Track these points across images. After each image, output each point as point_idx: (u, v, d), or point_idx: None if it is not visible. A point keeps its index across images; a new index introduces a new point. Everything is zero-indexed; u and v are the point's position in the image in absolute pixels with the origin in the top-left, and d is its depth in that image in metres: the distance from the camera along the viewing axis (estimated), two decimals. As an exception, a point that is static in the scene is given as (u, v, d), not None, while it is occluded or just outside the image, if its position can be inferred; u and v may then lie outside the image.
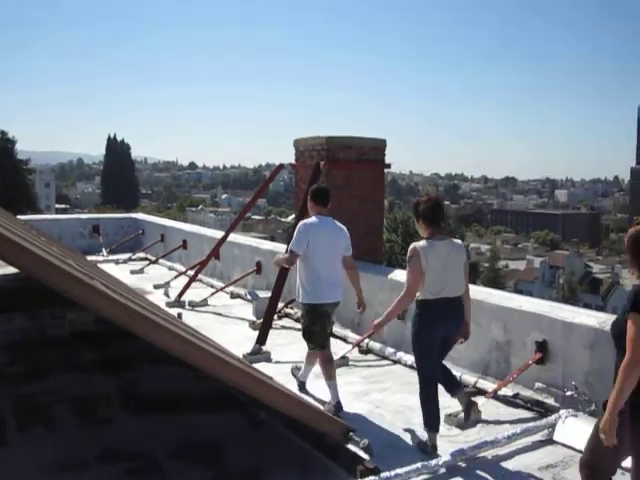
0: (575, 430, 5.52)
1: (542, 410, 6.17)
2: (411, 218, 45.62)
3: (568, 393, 6.07)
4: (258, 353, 8.22)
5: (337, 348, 8.45)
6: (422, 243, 5.44)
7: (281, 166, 11.01)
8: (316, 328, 6.52)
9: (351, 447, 5.13)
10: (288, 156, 10.93)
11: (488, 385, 6.72)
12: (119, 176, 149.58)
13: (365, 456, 5.01)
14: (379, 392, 6.98)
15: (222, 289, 12.12)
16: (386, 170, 10.63)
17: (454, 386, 5.82)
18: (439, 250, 5.41)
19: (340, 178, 9.92)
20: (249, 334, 9.16)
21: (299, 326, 9.92)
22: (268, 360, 8.17)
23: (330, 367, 6.53)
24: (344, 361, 7.98)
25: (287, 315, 10.40)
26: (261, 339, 8.36)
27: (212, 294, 11.77)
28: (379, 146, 10.23)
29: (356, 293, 6.76)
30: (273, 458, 5.32)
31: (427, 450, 5.44)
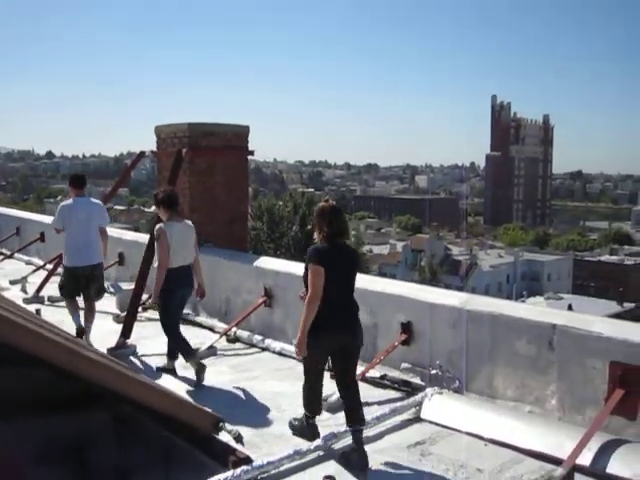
0: (441, 407, 5.68)
1: (409, 389, 6.30)
2: (276, 205, 45.85)
3: (433, 372, 6.24)
4: (123, 347, 7.98)
5: (204, 338, 8.34)
6: (165, 224, 6.88)
7: (142, 154, 10.72)
8: (65, 284, 8.15)
9: (222, 438, 5.05)
10: (151, 144, 10.63)
11: (359, 368, 6.77)
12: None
13: (237, 446, 4.95)
14: (248, 380, 6.92)
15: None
16: (250, 158, 10.56)
17: (188, 352, 6.95)
18: (177, 229, 6.89)
19: (203, 165, 9.77)
20: (113, 328, 8.85)
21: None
22: (134, 354, 7.95)
23: (74, 310, 8.18)
24: (212, 351, 7.86)
25: (152, 307, 10.15)
26: (125, 332, 8.11)
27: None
28: (242, 133, 10.13)
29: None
30: (141, 455, 5.16)
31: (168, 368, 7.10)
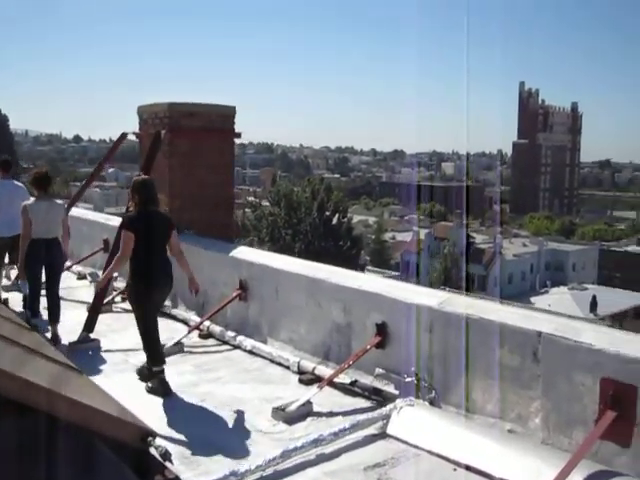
0: (410, 422, 5.02)
1: (380, 399, 5.64)
2: (294, 191, 45.21)
3: (407, 379, 5.56)
4: (85, 341, 7.40)
5: (176, 332, 7.72)
6: (29, 202, 7.79)
7: (123, 136, 10.10)
8: None
9: (154, 454, 4.43)
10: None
11: (328, 372, 6.12)
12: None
13: (167, 464, 4.33)
14: (210, 382, 6.29)
15: (68, 269, 11.12)
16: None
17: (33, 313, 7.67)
18: (41, 206, 7.62)
19: (185, 148, 9.12)
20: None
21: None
22: (98, 348, 7.36)
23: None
24: (178, 347, 7.23)
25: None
26: (88, 326, 7.52)
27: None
28: (228, 113, 9.46)
29: None
30: (68, 467, 4.57)
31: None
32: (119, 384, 6.24)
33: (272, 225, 42.62)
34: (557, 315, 5.00)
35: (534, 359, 4.71)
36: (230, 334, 7.44)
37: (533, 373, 4.73)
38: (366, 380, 5.91)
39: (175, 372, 6.57)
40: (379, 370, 5.85)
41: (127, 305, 9.31)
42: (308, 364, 6.37)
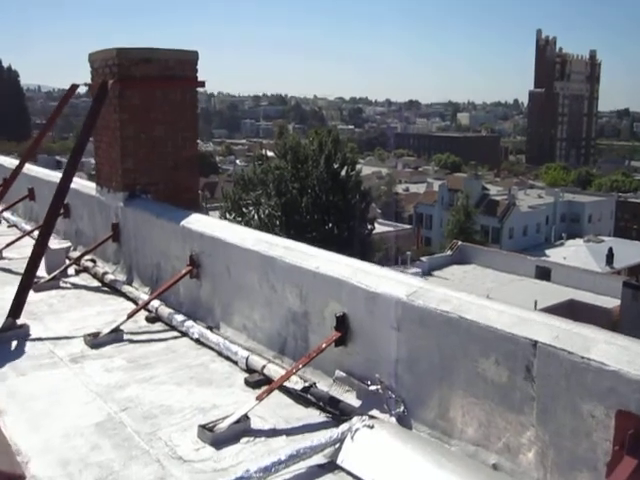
0: (367, 448, 3.90)
1: (336, 412, 4.50)
2: (301, 144, 43.74)
3: (372, 388, 4.42)
4: (10, 329, 6.29)
5: (120, 315, 6.58)
6: None
7: (74, 87, 8.88)
8: None
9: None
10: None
11: (279, 372, 4.97)
12: (8, 106, 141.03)
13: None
14: (140, 383, 5.16)
15: (27, 234, 10.04)
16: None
17: None
18: None
19: (137, 100, 7.88)
20: (30, 298, 7.07)
21: (96, 283, 8.09)
22: (25, 337, 6.25)
23: None
24: (115, 336, 6.10)
25: (86, 269, 8.47)
26: (15, 310, 6.39)
27: (9, 244, 9.57)
28: (188, 59, 8.15)
29: None
30: None
31: None
32: (30, 385, 5.19)
33: (278, 179, 41.25)
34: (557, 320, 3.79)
35: (527, 376, 3.54)
36: (179, 318, 6.30)
37: (526, 394, 3.56)
38: (325, 383, 4.78)
39: (103, 369, 5.48)
40: (339, 373, 4.70)
41: (79, 280, 8.27)
42: (258, 361, 5.21)
